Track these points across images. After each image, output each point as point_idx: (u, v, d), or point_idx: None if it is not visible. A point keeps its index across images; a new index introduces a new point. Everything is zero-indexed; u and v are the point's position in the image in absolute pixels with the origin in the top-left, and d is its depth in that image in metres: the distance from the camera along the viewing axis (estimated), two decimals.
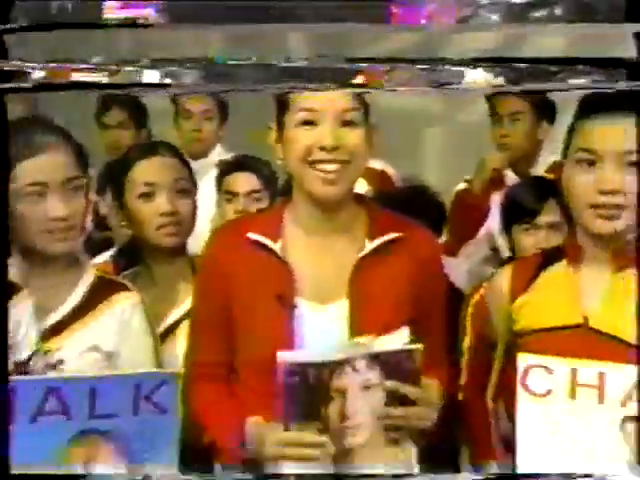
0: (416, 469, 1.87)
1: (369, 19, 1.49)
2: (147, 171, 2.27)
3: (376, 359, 1.71)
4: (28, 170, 1.95)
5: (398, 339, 1.78)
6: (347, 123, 1.81)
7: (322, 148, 1.79)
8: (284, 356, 1.69)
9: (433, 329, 1.92)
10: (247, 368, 1.87)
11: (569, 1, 1.46)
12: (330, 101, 1.81)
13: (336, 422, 1.72)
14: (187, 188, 2.32)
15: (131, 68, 1.50)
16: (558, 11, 1.44)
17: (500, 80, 1.54)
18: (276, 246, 1.86)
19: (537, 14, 1.46)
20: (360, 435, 1.75)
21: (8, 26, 1.47)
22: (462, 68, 1.54)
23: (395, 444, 1.81)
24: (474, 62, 1.55)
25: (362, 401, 1.74)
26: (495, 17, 1.45)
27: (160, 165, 2.25)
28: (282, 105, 1.86)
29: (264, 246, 1.87)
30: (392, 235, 1.88)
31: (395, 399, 1.74)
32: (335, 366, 1.69)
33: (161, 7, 1.45)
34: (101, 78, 1.52)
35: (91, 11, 1.51)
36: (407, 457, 1.85)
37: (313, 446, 1.69)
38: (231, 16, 1.44)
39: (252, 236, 1.87)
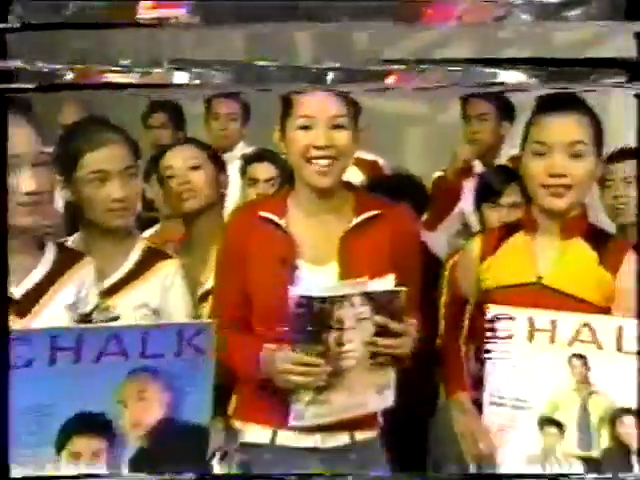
0: (391, 397, 1.89)
1: (401, 18, 1.40)
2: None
3: (369, 297, 1.76)
4: (92, 161, 1.98)
5: (386, 282, 1.81)
6: (337, 127, 1.83)
7: (316, 147, 1.82)
8: (295, 290, 1.75)
9: (410, 285, 1.89)
10: (259, 317, 1.90)
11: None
12: (323, 108, 1.83)
13: (334, 347, 1.75)
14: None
15: (161, 70, 1.44)
16: (592, 10, 1.35)
17: (533, 80, 1.47)
18: (281, 222, 1.89)
19: (571, 13, 1.36)
20: (352, 359, 1.78)
21: (8, 25, 1.39)
22: (495, 69, 1.47)
23: (378, 368, 1.84)
24: (508, 63, 1.47)
25: (356, 331, 1.77)
26: (528, 17, 1.37)
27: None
28: (285, 110, 1.88)
29: (272, 221, 1.90)
30: (373, 212, 1.91)
31: (382, 331, 1.78)
32: (335, 301, 1.72)
33: (193, 7, 1.36)
34: (131, 79, 1.46)
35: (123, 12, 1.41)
36: (387, 380, 1.87)
37: (311, 365, 1.73)
38: (259, 16, 1.37)
39: (263, 214, 1.91)
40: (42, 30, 1.41)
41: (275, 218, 1.90)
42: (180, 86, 1.51)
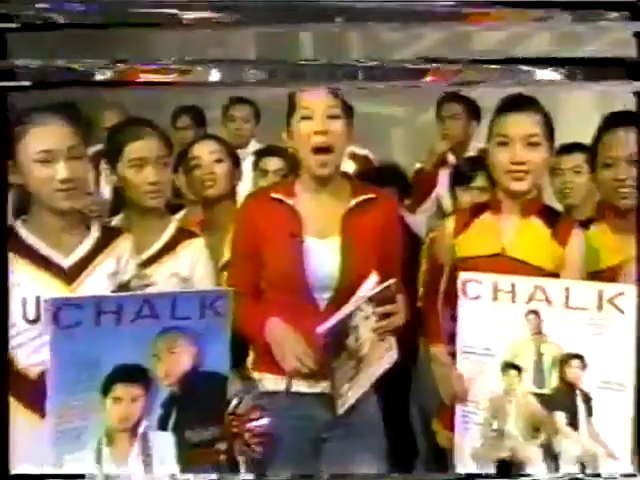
0: (395, 354, 1.94)
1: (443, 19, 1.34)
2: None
3: (370, 300, 1.78)
4: (132, 150, 2.01)
5: (372, 281, 1.82)
6: (332, 117, 1.84)
7: (316, 132, 1.83)
8: (324, 327, 1.72)
9: (393, 253, 1.96)
10: (270, 284, 1.92)
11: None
12: (320, 100, 1.84)
13: (354, 345, 1.79)
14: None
15: (200, 68, 1.38)
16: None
17: (565, 79, 1.42)
18: (290, 202, 1.90)
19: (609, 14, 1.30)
20: (366, 347, 1.82)
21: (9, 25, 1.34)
22: (532, 67, 1.40)
23: (383, 340, 1.88)
24: (544, 62, 1.41)
25: (364, 326, 1.80)
26: (568, 16, 1.31)
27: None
28: (290, 108, 1.89)
29: (282, 202, 1.90)
30: (368, 195, 1.93)
31: (382, 315, 1.82)
32: (352, 315, 1.76)
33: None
34: (169, 78, 1.42)
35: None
36: (391, 346, 1.92)
37: (304, 354, 1.78)
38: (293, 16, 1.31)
39: (274, 195, 1.92)
40: (44, 30, 1.34)
41: (285, 199, 1.90)
42: (216, 84, 1.46)
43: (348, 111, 1.91)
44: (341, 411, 1.83)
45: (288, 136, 1.93)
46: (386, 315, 1.83)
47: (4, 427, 1.47)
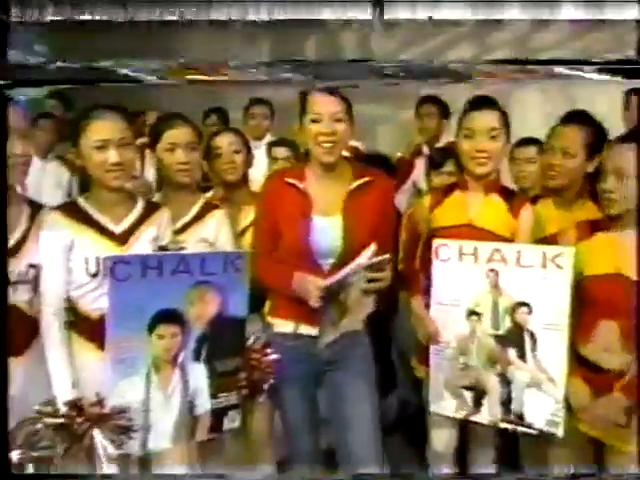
0: (372, 304, 1.91)
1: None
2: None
3: (366, 267, 1.75)
4: (168, 136, 1.98)
5: (370, 251, 1.76)
6: (337, 120, 1.80)
7: (323, 134, 1.81)
8: (330, 280, 1.75)
9: (389, 228, 1.93)
10: (285, 252, 1.88)
11: None
12: (327, 107, 1.81)
13: (343, 299, 1.79)
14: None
15: (267, 68, 1.32)
16: None
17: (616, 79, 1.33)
18: (301, 185, 1.87)
19: None
20: (351, 301, 1.81)
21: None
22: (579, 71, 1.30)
23: (369, 297, 1.88)
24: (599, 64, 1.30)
25: (356, 287, 1.78)
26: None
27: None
28: (302, 109, 1.85)
29: (295, 186, 1.88)
30: (367, 178, 1.88)
31: (371, 279, 1.78)
32: (349, 276, 1.75)
33: None
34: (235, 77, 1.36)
35: None
36: (369, 301, 1.91)
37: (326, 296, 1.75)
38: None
39: (288, 180, 1.89)
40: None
41: (297, 183, 1.87)
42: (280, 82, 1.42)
43: (350, 112, 1.87)
44: (322, 346, 1.83)
45: (300, 130, 1.89)
46: (374, 280, 1.80)
47: (4, 427, 1.48)
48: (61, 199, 2.24)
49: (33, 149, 1.67)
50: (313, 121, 1.81)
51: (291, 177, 1.90)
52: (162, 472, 1.79)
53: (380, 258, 1.75)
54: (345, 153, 2.02)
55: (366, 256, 1.75)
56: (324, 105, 1.81)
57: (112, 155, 1.68)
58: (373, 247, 1.75)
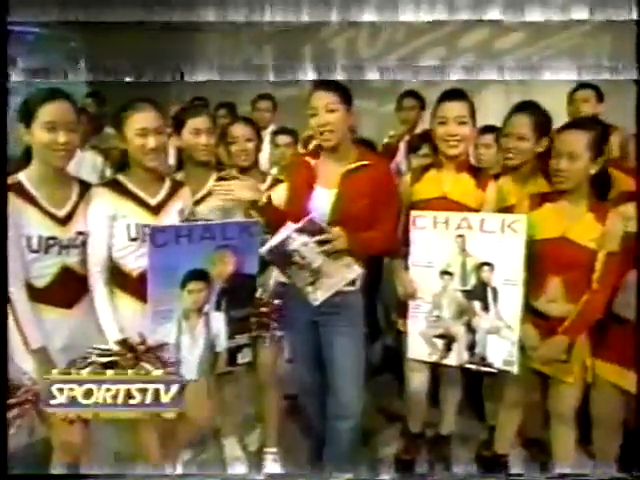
0: (358, 269, 1.90)
1: None
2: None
3: (299, 230, 1.81)
4: (192, 123, 2.05)
5: (304, 220, 1.81)
6: (330, 110, 1.85)
7: (318, 125, 1.87)
8: (263, 249, 1.82)
9: (383, 206, 1.90)
10: (291, 214, 1.90)
11: None
12: (320, 101, 1.85)
13: (302, 262, 1.84)
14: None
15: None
16: None
17: None
18: (313, 162, 1.94)
19: None
20: (316, 263, 1.84)
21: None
22: None
23: (338, 259, 1.86)
24: None
25: (311, 250, 1.83)
26: None
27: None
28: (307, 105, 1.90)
29: (308, 162, 1.94)
30: (366, 162, 1.91)
31: (320, 242, 1.82)
32: (286, 242, 1.81)
33: None
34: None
35: None
36: (348, 261, 1.88)
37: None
38: None
39: (306, 158, 1.97)
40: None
41: (310, 160, 1.95)
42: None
43: (347, 100, 1.90)
44: (315, 303, 1.89)
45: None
46: (323, 242, 1.83)
47: (3, 428, 1.54)
48: (96, 180, 2.31)
49: (76, 139, 1.74)
50: (312, 115, 1.89)
51: (308, 156, 2.00)
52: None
53: (304, 220, 1.81)
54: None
55: (297, 227, 1.83)
56: (317, 99, 1.88)
57: (151, 141, 1.79)
58: (307, 219, 1.82)
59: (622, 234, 1.86)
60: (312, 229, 1.83)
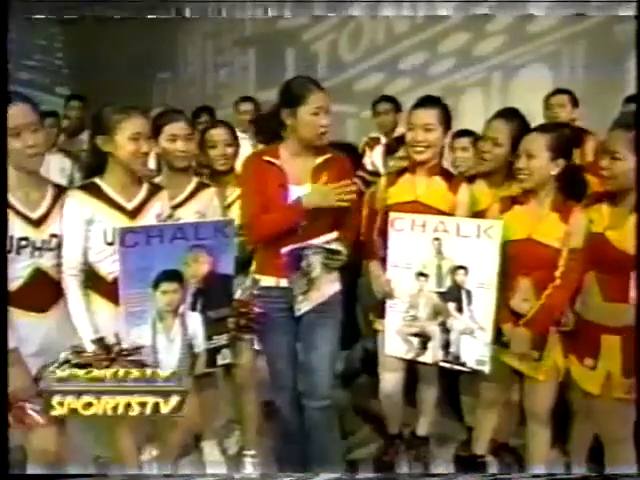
0: (338, 286, 1.97)
1: None
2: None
3: (322, 248, 1.87)
4: (168, 129, 2.05)
5: (330, 236, 1.88)
6: (328, 112, 1.89)
7: (321, 126, 1.88)
8: (286, 249, 1.83)
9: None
10: (267, 213, 1.90)
11: None
12: (325, 103, 1.88)
13: (306, 268, 1.88)
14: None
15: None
16: None
17: None
18: (278, 162, 1.92)
19: None
20: (315, 272, 1.90)
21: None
22: None
23: (329, 273, 1.94)
24: None
25: (316, 259, 1.88)
26: None
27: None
28: (302, 101, 1.88)
29: (272, 162, 1.92)
30: (328, 155, 1.94)
31: (329, 257, 1.89)
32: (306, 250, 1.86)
33: None
34: None
35: None
36: (335, 278, 1.98)
37: None
38: None
39: (266, 158, 1.94)
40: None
41: (274, 160, 1.93)
42: None
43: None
44: (298, 313, 1.92)
45: (292, 116, 1.91)
46: (334, 255, 1.89)
47: (3, 429, 1.50)
48: (65, 183, 2.28)
49: (43, 141, 1.72)
50: (313, 114, 1.88)
51: (268, 156, 1.96)
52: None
53: (333, 246, 1.86)
54: None
55: (324, 240, 1.87)
56: (322, 101, 1.90)
57: (144, 145, 1.78)
58: (334, 234, 1.86)
59: (585, 231, 1.87)
60: (333, 250, 1.87)
